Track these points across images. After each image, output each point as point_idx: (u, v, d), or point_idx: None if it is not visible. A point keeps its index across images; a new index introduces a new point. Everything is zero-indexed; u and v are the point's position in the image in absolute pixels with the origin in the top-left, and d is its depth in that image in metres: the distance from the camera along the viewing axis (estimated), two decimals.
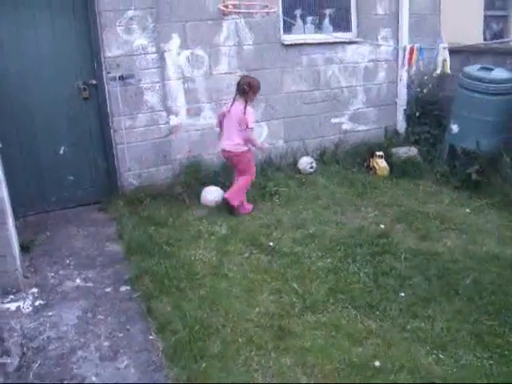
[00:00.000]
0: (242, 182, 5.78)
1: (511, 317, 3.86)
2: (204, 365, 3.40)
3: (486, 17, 8.68)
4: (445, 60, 6.41)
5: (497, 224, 5.47)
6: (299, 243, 5.09)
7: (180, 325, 3.81)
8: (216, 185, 6.19)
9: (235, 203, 5.68)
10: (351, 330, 3.73)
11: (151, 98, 6.06)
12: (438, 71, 6.44)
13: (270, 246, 5.04)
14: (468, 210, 5.82)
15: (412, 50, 6.45)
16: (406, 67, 6.37)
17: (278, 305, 4.07)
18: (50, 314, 4.09)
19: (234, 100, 5.64)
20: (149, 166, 6.20)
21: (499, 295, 4.11)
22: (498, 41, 8.03)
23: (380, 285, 4.31)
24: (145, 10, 5.83)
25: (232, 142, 5.64)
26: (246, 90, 5.52)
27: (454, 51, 6.96)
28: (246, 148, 5.68)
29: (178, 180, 6.33)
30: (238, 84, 5.59)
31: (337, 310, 4.00)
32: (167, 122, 6.23)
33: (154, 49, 5.97)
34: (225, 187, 6.08)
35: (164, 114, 6.18)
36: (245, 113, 5.52)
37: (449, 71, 6.47)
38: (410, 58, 6.51)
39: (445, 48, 6.34)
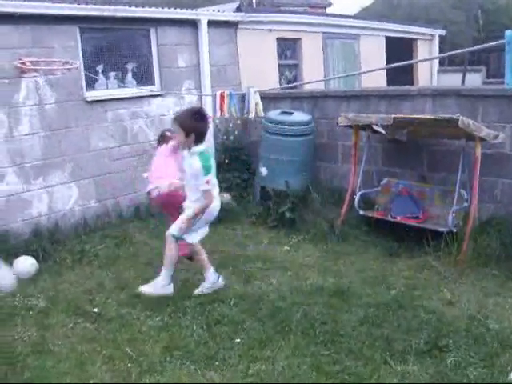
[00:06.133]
0: None
1: (344, 342, 4.02)
2: None
3: (280, 66, 9.33)
4: (257, 103, 6.69)
5: (315, 257, 5.73)
6: (125, 305, 4.86)
7: None
8: (28, 254, 5.72)
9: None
10: None
11: None
12: (252, 115, 6.70)
13: (94, 312, 4.74)
14: (287, 248, 6.03)
15: (222, 96, 6.62)
16: (219, 114, 6.50)
17: (114, 373, 3.82)
18: None
19: None
20: None
21: (330, 324, 4.28)
22: (293, 84, 8.64)
23: (214, 334, 4.25)
24: None
25: None
26: None
27: None
28: None
29: None
30: None
31: (175, 368, 3.85)
32: None
33: None
34: (38, 256, 5.67)
35: None
36: None
37: (262, 113, 6.75)
38: (222, 105, 6.68)
39: (255, 92, 6.61)
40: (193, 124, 4.68)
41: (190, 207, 4.83)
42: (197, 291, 4.98)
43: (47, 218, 6.38)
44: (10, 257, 5.67)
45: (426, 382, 3.55)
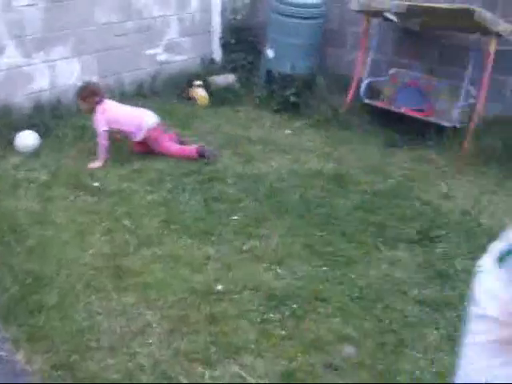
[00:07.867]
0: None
1: (338, 226, 4.13)
2: (43, 318, 3.22)
3: None
4: None
5: (317, 142, 5.74)
6: (125, 179, 4.93)
7: (10, 281, 3.54)
8: (30, 129, 5.71)
9: None
10: (189, 259, 3.74)
11: None
12: None
13: (95, 186, 4.82)
14: (289, 132, 6.01)
15: None
16: None
17: (112, 244, 3.95)
18: None
19: None
20: None
21: (326, 207, 4.37)
22: None
23: (212, 211, 4.35)
24: None
25: None
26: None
27: None
28: None
29: None
30: None
31: (172, 241, 3.98)
32: None
33: None
34: (40, 131, 5.67)
35: None
36: None
37: None
38: None
39: None
40: None
41: None
42: None
43: (49, 93, 6.29)
44: (12, 131, 5.64)
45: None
